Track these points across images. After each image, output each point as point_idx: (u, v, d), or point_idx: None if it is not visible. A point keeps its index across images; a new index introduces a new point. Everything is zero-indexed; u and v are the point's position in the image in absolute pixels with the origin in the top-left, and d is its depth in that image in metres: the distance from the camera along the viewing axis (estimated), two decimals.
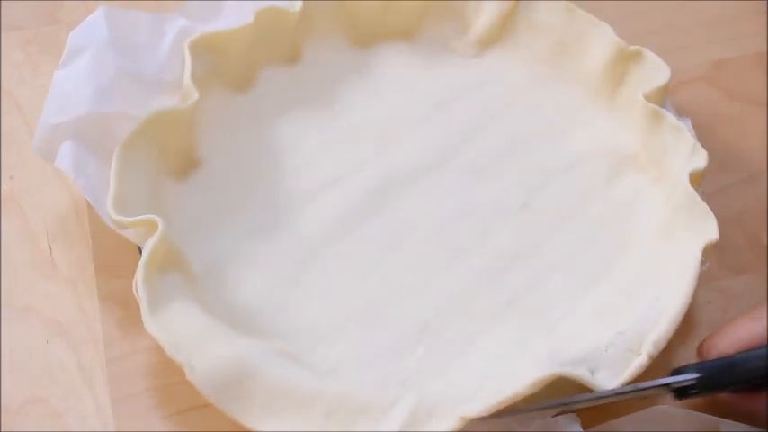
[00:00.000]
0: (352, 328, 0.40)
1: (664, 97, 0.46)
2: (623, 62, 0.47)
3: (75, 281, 0.42)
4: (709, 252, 0.40)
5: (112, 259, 0.42)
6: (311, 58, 0.50)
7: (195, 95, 0.44)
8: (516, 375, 0.35)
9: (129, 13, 0.45)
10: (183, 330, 0.36)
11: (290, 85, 0.49)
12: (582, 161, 0.47)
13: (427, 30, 0.51)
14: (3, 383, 0.39)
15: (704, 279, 0.40)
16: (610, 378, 0.37)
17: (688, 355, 0.42)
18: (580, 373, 0.36)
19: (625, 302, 0.40)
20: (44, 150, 0.42)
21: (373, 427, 0.35)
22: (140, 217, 0.39)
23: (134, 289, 0.37)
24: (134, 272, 0.38)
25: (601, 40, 0.48)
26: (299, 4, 0.48)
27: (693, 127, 0.46)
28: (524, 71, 0.50)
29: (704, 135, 0.46)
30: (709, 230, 0.40)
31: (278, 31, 0.48)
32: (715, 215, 0.43)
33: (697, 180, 0.42)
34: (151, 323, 0.36)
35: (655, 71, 0.46)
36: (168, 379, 0.39)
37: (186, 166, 0.45)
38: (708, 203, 0.43)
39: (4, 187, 0.45)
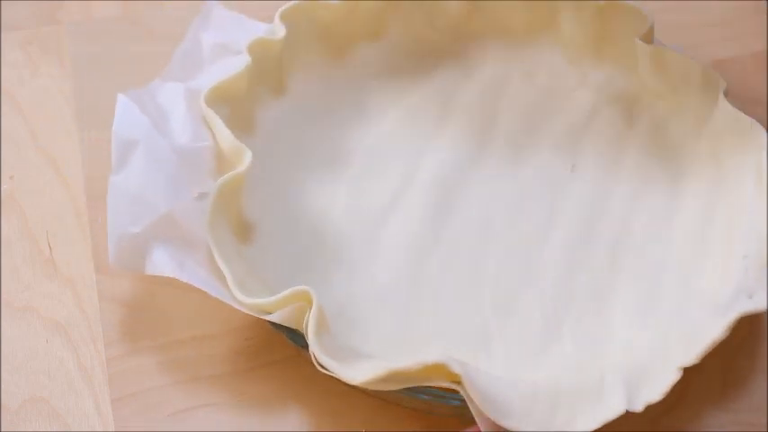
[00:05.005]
0: (494, 328, 0.40)
1: (651, 39, 0.47)
2: (602, 17, 0.48)
3: (75, 281, 0.42)
4: None
5: None
6: (294, 91, 0.48)
7: (249, 154, 0.41)
8: (697, 329, 0.36)
9: (143, 92, 0.43)
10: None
11: (286, 123, 0.47)
12: (595, 112, 0.48)
13: (396, 29, 0.50)
14: (3, 383, 0.39)
15: None
16: None
17: None
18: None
19: (730, 232, 0.41)
20: (126, 261, 0.38)
21: (598, 412, 0.34)
22: (286, 293, 0.36)
23: (313, 358, 0.35)
24: (134, 272, 0.37)
25: (571, 5, 0.49)
26: (282, 31, 0.46)
27: None
28: (503, 52, 0.50)
29: None
30: (757, 139, 0.41)
31: (268, 61, 0.46)
32: None
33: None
34: (350, 377, 0.34)
35: (636, 18, 0.47)
36: (168, 379, 0.39)
37: (245, 230, 0.42)
38: None
39: (4, 187, 0.45)
